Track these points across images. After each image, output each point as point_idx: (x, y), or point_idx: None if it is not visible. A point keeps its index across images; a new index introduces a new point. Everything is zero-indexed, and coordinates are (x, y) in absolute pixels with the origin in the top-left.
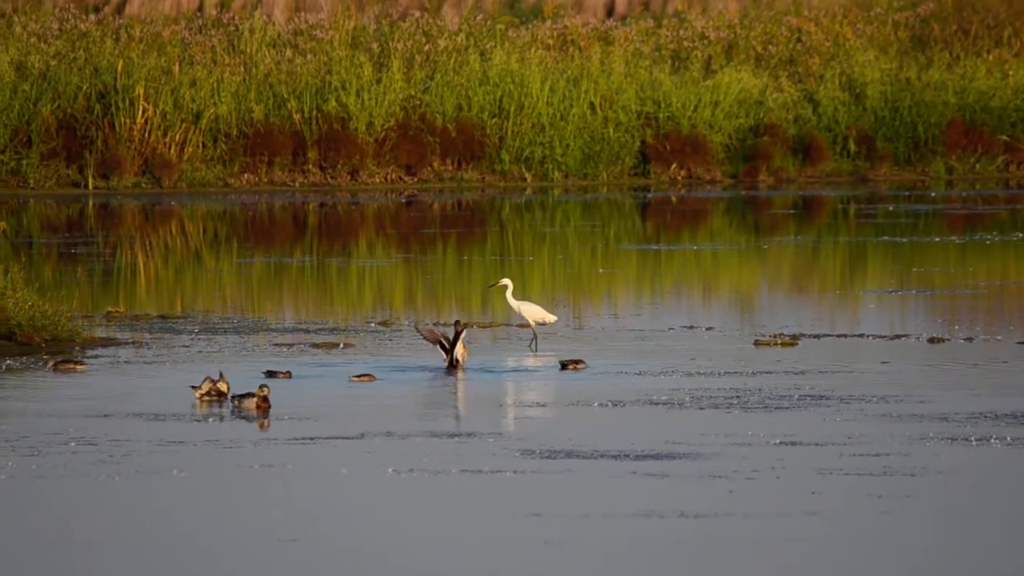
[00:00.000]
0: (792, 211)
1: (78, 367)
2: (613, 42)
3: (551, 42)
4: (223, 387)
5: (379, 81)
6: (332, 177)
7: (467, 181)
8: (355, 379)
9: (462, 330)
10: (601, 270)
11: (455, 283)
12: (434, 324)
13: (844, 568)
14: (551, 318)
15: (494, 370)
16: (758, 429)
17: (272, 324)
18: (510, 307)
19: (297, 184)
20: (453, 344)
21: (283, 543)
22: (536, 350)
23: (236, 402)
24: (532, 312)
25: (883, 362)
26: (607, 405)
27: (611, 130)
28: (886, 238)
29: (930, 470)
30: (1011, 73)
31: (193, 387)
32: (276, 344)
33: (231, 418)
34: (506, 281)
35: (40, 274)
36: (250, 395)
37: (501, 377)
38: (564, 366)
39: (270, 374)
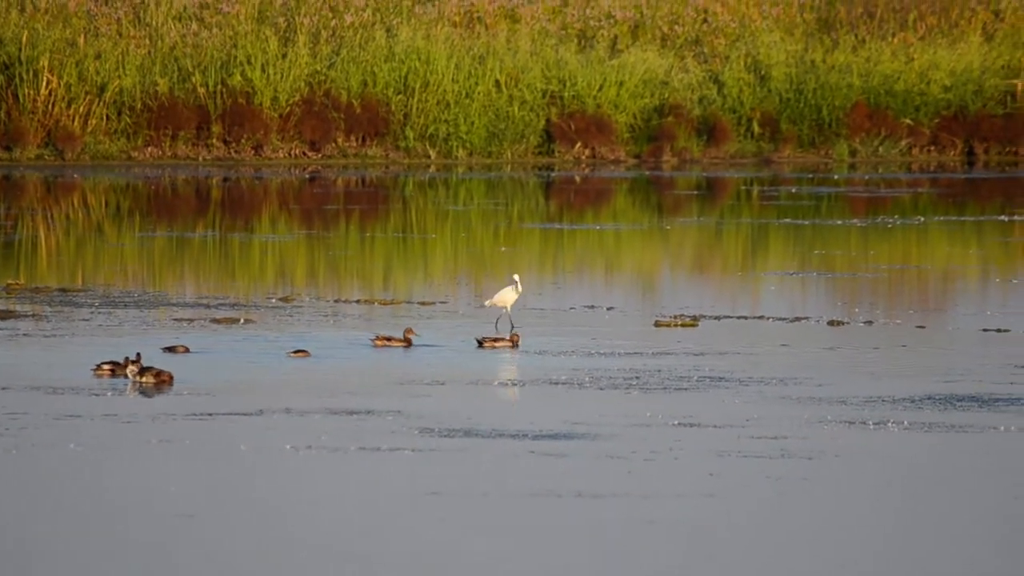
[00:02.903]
0: (695, 192)
1: None
2: (519, 20)
3: (457, 19)
4: (134, 367)
5: (284, 56)
6: (236, 152)
7: (371, 158)
8: (292, 354)
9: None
10: (503, 249)
11: (357, 259)
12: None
13: (740, 549)
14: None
15: (398, 348)
16: (657, 410)
17: (173, 299)
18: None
19: (201, 158)
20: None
21: (180, 518)
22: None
23: (137, 377)
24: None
25: (783, 344)
26: (507, 384)
27: (516, 108)
28: (788, 220)
29: (827, 453)
30: (915, 57)
31: (128, 361)
32: (177, 319)
33: (130, 393)
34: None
35: None
36: (149, 369)
37: (404, 355)
38: (481, 343)
39: (169, 349)
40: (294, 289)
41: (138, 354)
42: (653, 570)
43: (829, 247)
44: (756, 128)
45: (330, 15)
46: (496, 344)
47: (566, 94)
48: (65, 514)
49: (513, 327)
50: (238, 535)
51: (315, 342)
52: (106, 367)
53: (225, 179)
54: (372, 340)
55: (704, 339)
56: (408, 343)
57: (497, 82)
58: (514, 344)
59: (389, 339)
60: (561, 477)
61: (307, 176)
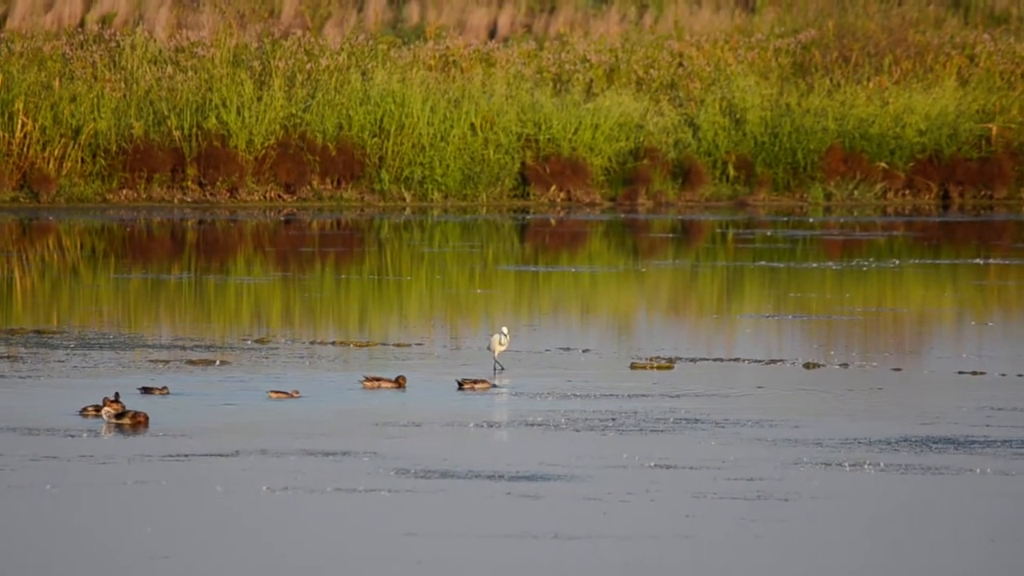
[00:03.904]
0: (671, 235)
1: None
2: (495, 64)
3: (433, 63)
4: (115, 408)
5: (260, 99)
6: (211, 194)
7: (346, 200)
8: (273, 395)
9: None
10: (479, 291)
11: (332, 301)
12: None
13: None
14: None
15: (387, 389)
16: (633, 452)
17: (149, 340)
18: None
19: (176, 200)
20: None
21: (156, 560)
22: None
23: (112, 419)
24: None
25: (758, 387)
26: (483, 425)
27: (491, 151)
28: (763, 263)
29: (803, 495)
30: (891, 100)
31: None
32: (152, 360)
33: (106, 434)
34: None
35: None
36: (126, 413)
37: (380, 396)
38: (461, 385)
39: (146, 390)
40: (269, 331)
41: (116, 394)
42: None
43: (804, 290)
44: (731, 171)
45: (305, 58)
46: (475, 386)
47: (541, 137)
48: (41, 555)
49: (496, 372)
50: None
51: (291, 383)
52: (91, 410)
53: (200, 221)
54: (361, 381)
55: (680, 381)
56: (398, 384)
57: (472, 125)
58: (489, 387)
59: (379, 380)
60: (537, 518)
61: (282, 218)
